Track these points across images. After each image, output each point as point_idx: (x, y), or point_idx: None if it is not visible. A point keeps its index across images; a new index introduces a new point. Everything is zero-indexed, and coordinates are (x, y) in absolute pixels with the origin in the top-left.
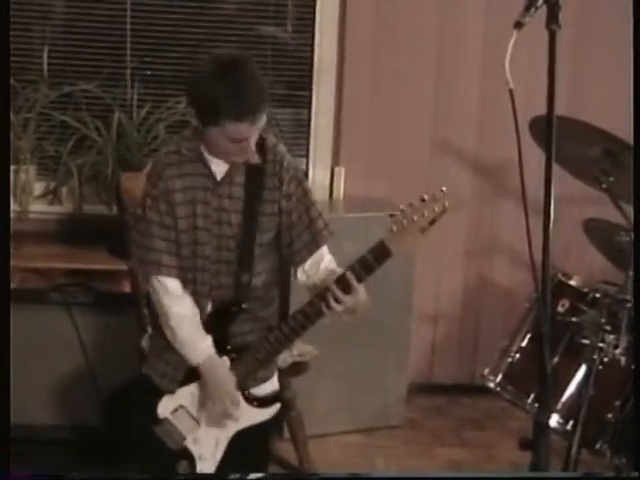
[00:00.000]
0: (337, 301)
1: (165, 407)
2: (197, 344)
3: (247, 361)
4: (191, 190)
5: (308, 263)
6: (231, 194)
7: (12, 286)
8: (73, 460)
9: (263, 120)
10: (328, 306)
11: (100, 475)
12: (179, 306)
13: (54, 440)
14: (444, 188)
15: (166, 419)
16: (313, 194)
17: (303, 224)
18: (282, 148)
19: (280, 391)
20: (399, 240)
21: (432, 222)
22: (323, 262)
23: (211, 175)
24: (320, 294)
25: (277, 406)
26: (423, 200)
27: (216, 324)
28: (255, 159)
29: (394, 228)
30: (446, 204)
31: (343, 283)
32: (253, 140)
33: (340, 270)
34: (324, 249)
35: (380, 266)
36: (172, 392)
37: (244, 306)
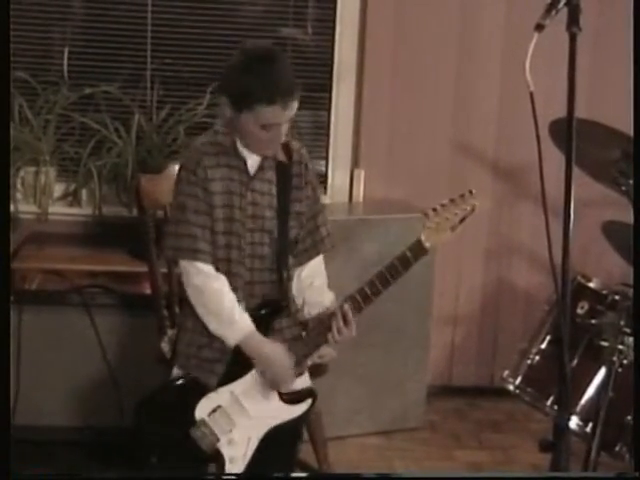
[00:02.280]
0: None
1: (203, 408)
2: (236, 320)
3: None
4: (228, 181)
5: (305, 271)
6: (263, 190)
7: (32, 288)
8: (92, 461)
9: (294, 108)
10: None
11: (114, 476)
12: (216, 283)
13: (73, 441)
14: (473, 190)
15: (202, 420)
16: (323, 202)
17: (308, 228)
18: (305, 151)
19: (312, 387)
20: (433, 237)
21: (462, 220)
22: (318, 278)
23: (245, 169)
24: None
25: (309, 402)
26: (453, 200)
27: (260, 322)
28: (281, 156)
29: (430, 226)
30: (475, 204)
31: (382, 277)
32: (283, 129)
33: (330, 293)
34: (322, 265)
35: (416, 262)
36: (213, 387)
37: (283, 303)
